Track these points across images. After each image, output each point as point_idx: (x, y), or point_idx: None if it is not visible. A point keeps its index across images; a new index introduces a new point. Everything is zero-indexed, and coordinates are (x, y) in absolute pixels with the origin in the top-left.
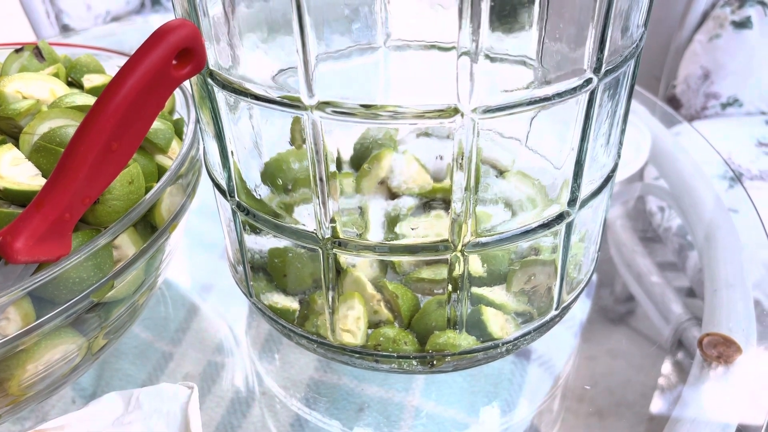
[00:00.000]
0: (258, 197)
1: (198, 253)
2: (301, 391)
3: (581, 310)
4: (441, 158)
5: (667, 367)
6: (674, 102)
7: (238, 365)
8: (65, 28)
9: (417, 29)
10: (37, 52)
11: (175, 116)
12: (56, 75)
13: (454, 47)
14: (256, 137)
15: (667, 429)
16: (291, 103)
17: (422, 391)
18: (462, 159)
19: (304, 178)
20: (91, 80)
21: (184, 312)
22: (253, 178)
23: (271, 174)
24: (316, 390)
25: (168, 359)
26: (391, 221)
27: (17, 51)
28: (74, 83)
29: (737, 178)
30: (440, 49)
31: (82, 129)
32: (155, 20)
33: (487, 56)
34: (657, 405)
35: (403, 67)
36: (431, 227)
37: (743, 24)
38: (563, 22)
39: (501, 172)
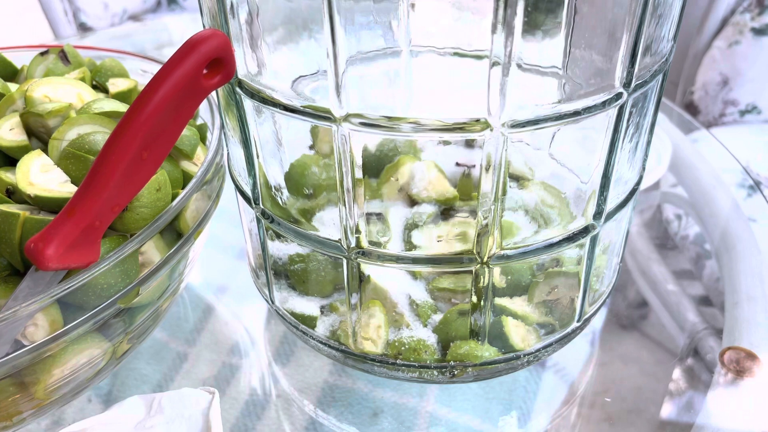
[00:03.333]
0: (283, 205)
1: (215, 254)
2: (315, 394)
3: (597, 317)
4: (459, 165)
5: (680, 375)
6: (692, 108)
7: (253, 367)
8: (82, 27)
9: (443, 35)
10: (63, 56)
11: (199, 121)
12: (82, 79)
13: (480, 55)
14: (280, 145)
15: None
16: (319, 114)
17: (437, 397)
18: (490, 171)
19: (328, 185)
20: (116, 84)
21: (200, 313)
22: (277, 186)
23: (294, 180)
24: (330, 394)
25: (183, 360)
26: (412, 229)
27: (42, 54)
28: (99, 87)
29: (756, 186)
30: (466, 56)
31: (114, 138)
32: (171, 22)
33: (518, 66)
34: (669, 413)
35: (428, 74)
36: (456, 237)
37: (763, 31)
38: (593, 32)
39: (521, 182)
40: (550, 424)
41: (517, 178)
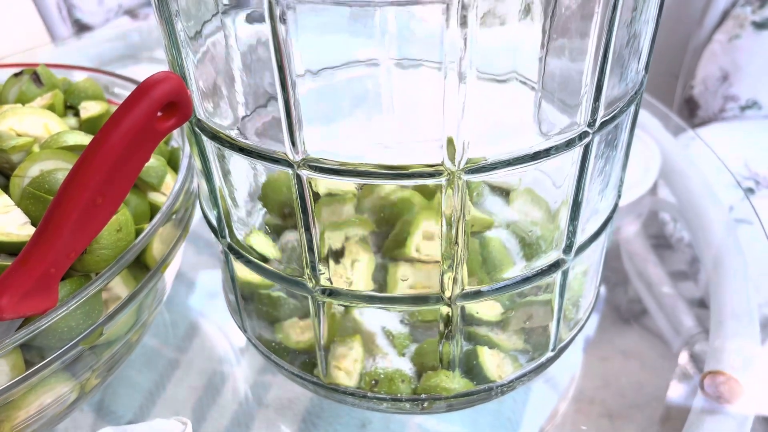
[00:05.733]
0: (245, 242)
1: (206, 259)
2: (304, 404)
3: (593, 315)
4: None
5: (677, 373)
6: (692, 103)
7: (243, 376)
8: (77, 23)
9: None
10: (36, 78)
11: (174, 144)
12: (53, 102)
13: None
14: (244, 181)
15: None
16: (275, 157)
17: None
18: (450, 218)
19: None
20: (87, 109)
21: (192, 320)
22: (242, 220)
23: (269, 198)
24: (319, 405)
25: (174, 367)
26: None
27: (16, 75)
28: (73, 108)
29: (745, 193)
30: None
31: (65, 187)
32: None
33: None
34: (668, 408)
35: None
36: (422, 277)
37: (763, 24)
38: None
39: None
40: (545, 426)
41: (501, 191)
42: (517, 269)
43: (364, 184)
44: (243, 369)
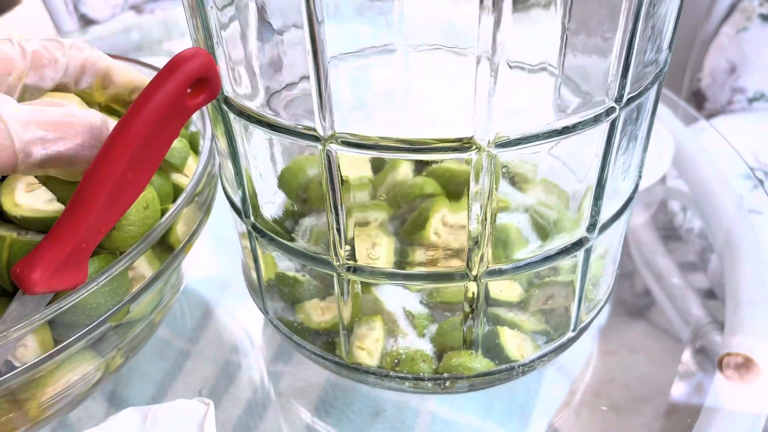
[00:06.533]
0: (272, 220)
1: (215, 250)
2: (316, 393)
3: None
4: None
5: (684, 365)
6: (699, 96)
7: (254, 365)
8: (83, 18)
9: (435, 30)
10: None
11: (192, 128)
12: None
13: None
14: (270, 160)
15: (686, 425)
16: (305, 132)
17: (438, 396)
18: (479, 189)
19: (319, 194)
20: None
21: (202, 310)
22: (268, 199)
23: (287, 184)
24: (332, 393)
25: (185, 357)
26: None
27: None
28: None
29: (760, 183)
30: (457, 53)
31: (98, 161)
32: (174, 14)
33: (507, 65)
34: (674, 401)
35: (419, 76)
36: (448, 253)
37: None
38: (583, 43)
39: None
40: (555, 418)
41: (514, 179)
42: (542, 247)
43: (387, 165)
44: (255, 358)
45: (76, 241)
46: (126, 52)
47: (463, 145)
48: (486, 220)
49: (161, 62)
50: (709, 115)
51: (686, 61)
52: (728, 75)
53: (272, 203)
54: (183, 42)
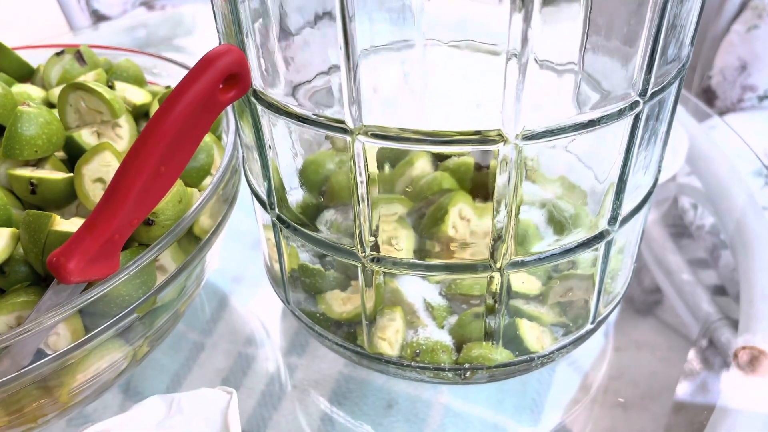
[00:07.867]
0: (298, 210)
1: (230, 243)
2: (330, 385)
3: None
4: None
5: (693, 362)
6: (709, 93)
7: (269, 357)
8: (95, 14)
9: (461, 27)
10: (79, 56)
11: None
12: (97, 80)
13: (497, 51)
14: (296, 151)
15: (694, 421)
16: (334, 125)
17: (451, 389)
18: (504, 181)
19: (342, 186)
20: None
21: (216, 303)
22: (293, 191)
23: (308, 177)
24: (345, 385)
25: (200, 350)
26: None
27: (58, 54)
28: (112, 87)
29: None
30: (482, 51)
31: (132, 155)
32: (184, 10)
33: (536, 61)
34: (682, 398)
35: (444, 72)
36: (471, 245)
37: None
38: (608, 37)
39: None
40: (565, 414)
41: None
42: (560, 241)
43: (403, 160)
44: (269, 351)
45: (110, 232)
46: (138, 48)
47: (491, 138)
48: (511, 212)
49: (175, 58)
50: (720, 113)
51: (696, 58)
52: (739, 73)
53: (298, 192)
54: (193, 38)
